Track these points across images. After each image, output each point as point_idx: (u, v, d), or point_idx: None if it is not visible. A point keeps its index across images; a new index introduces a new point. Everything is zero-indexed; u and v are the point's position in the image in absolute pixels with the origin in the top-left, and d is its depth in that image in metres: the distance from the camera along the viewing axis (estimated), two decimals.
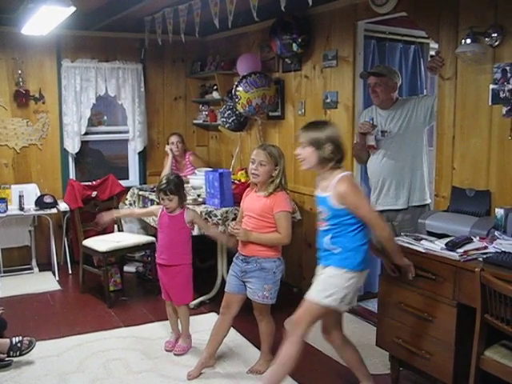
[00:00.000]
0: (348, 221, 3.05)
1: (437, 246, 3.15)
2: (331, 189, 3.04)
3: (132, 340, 4.31)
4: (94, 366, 3.87)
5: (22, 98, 6.12)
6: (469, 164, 3.71)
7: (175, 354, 4.04)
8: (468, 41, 3.43)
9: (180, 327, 4.18)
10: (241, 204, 3.81)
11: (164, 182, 3.96)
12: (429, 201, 4.18)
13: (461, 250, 3.02)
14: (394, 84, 4.18)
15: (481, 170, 3.62)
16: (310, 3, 3.61)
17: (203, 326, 4.50)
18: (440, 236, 3.33)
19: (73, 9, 4.09)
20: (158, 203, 4.34)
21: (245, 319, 3.92)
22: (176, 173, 4.89)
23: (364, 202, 3.06)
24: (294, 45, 4.98)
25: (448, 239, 3.16)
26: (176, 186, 3.96)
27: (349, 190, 2.99)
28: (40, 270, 6.11)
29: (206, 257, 5.79)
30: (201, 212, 4.53)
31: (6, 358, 3.83)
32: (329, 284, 3.06)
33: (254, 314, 3.76)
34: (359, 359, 3.38)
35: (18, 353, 3.85)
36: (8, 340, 3.87)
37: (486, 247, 3.07)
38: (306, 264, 5.32)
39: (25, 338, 3.91)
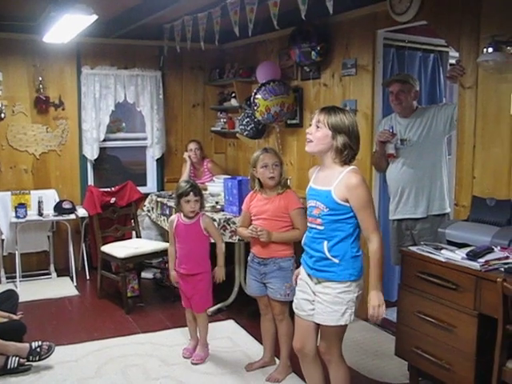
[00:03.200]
0: (345, 221, 2.81)
1: (457, 256, 3.12)
2: (337, 180, 2.78)
3: (150, 346, 4.32)
4: (112, 372, 3.88)
5: (42, 105, 6.18)
6: (490, 173, 3.68)
7: (193, 363, 4.02)
8: (490, 50, 3.39)
9: (198, 334, 4.18)
10: (243, 209, 3.83)
11: (187, 185, 3.96)
12: (448, 210, 4.14)
13: (482, 260, 2.99)
14: (416, 92, 4.17)
15: (502, 179, 3.58)
16: (331, 12, 3.59)
17: (221, 333, 4.51)
18: (460, 246, 3.30)
19: (95, 17, 4.13)
20: (176, 210, 4.33)
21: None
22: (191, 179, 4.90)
23: (372, 206, 2.81)
24: (313, 53, 4.98)
25: (469, 249, 3.13)
26: (198, 188, 4.01)
27: (361, 184, 2.74)
28: (58, 276, 6.16)
29: None
30: (219, 219, 4.54)
31: (26, 363, 3.85)
32: (339, 303, 2.85)
33: (274, 314, 3.76)
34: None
35: (37, 357, 3.87)
36: (28, 344, 3.89)
37: (507, 257, 3.03)
38: None
39: (44, 343, 3.93)
